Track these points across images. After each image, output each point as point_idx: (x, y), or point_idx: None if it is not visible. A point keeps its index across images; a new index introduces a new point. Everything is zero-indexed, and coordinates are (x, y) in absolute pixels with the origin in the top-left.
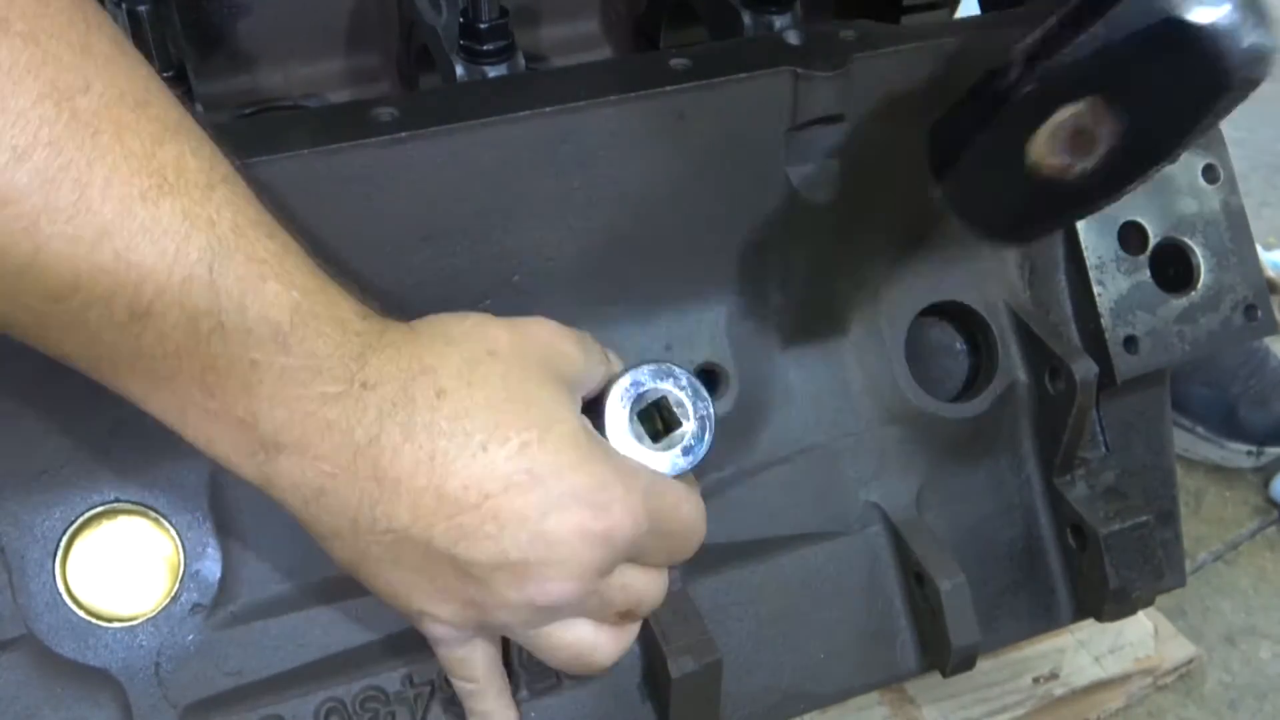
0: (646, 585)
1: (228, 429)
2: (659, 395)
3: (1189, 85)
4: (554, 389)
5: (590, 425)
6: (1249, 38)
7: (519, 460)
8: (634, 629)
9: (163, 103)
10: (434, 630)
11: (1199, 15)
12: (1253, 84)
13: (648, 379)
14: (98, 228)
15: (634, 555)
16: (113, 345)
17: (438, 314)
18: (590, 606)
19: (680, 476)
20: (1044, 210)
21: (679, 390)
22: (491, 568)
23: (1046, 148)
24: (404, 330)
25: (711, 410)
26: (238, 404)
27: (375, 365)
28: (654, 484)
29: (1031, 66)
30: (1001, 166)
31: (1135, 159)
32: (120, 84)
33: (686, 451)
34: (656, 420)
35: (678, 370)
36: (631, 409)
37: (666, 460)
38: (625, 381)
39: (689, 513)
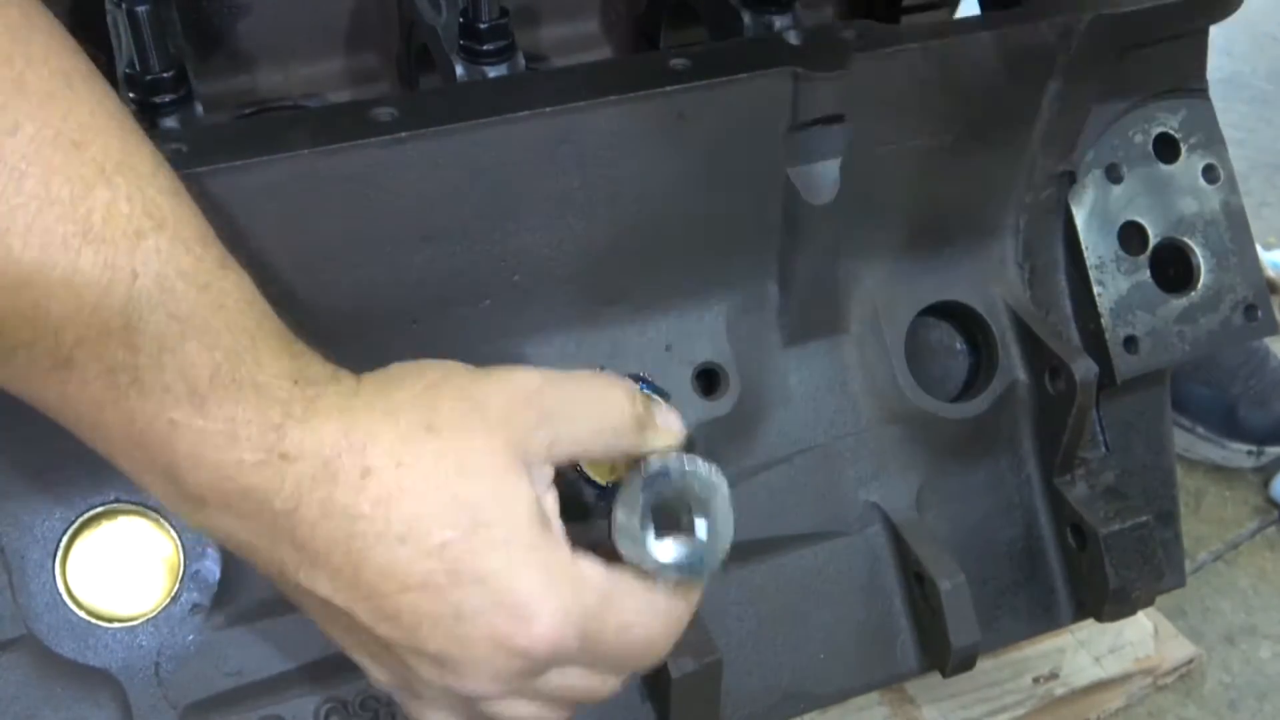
0: (591, 686)
1: (156, 479)
2: (683, 496)
3: None
4: (496, 474)
5: (544, 509)
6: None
7: (438, 559)
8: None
9: (104, 140)
10: (382, 688)
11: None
12: None
13: (678, 477)
14: (17, 276)
15: (571, 664)
16: (43, 391)
17: (400, 364)
18: (524, 697)
19: (667, 583)
20: None
21: (707, 502)
22: (410, 652)
23: None
24: (342, 396)
25: (732, 531)
26: (160, 458)
27: (296, 437)
28: (600, 602)
29: None
30: None
31: None
32: (56, 124)
33: (688, 564)
34: (675, 516)
35: (717, 479)
36: (642, 498)
37: (666, 557)
38: (650, 469)
39: (643, 631)
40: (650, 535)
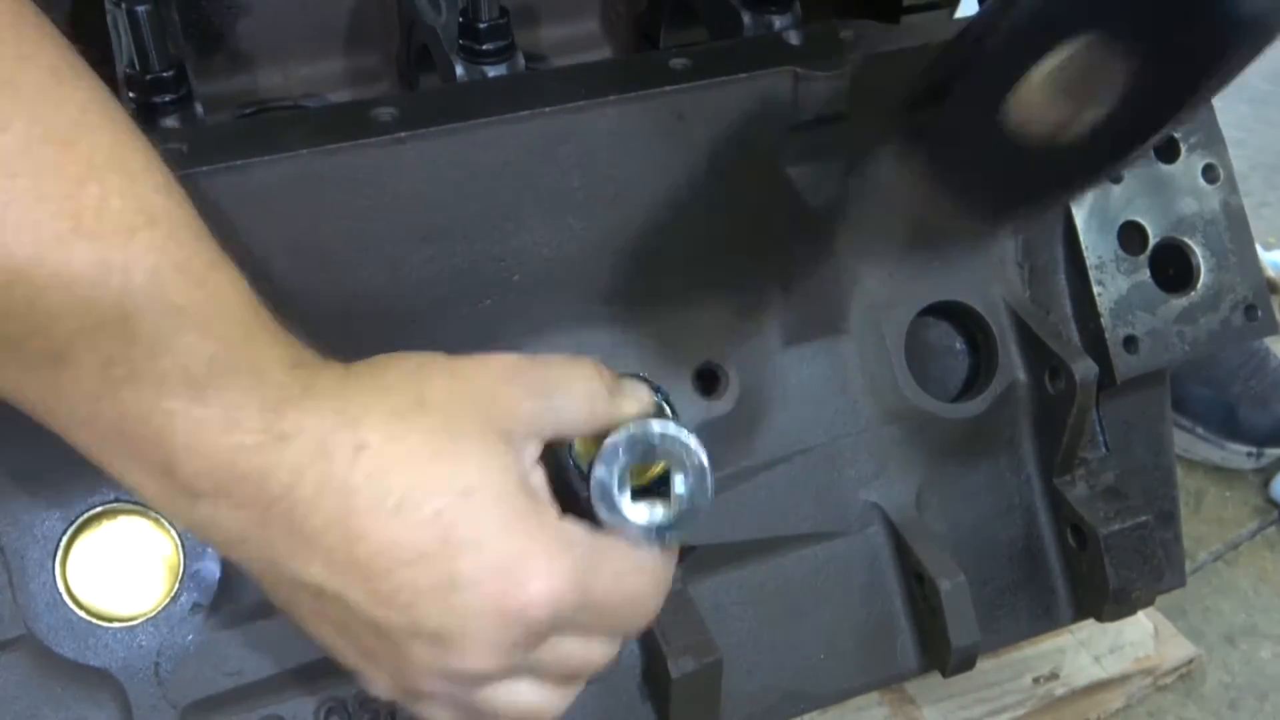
0: (588, 655)
1: (148, 474)
2: (658, 457)
3: (1197, 22)
4: (484, 447)
5: (531, 483)
6: None
7: (433, 527)
8: (581, 683)
9: (94, 137)
10: (378, 693)
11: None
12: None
13: (654, 439)
14: (10, 271)
15: (568, 627)
16: (33, 386)
17: (386, 354)
18: (522, 673)
19: (651, 545)
20: (1034, 179)
21: (682, 460)
22: (408, 635)
23: (1038, 98)
24: (335, 378)
25: (710, 491)
26: (154, 450)
27: (293, 417)
28: (591, 554)
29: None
30: (987, 126)
31: (1141, 117)
32: (46, 120)
33: (668, 525)
34: (652, 478)
35: (688, 439)
36: (617, 465)
37: (643, 518)
38: (626, 433)
39: (633, 586)
40: (627, 498)
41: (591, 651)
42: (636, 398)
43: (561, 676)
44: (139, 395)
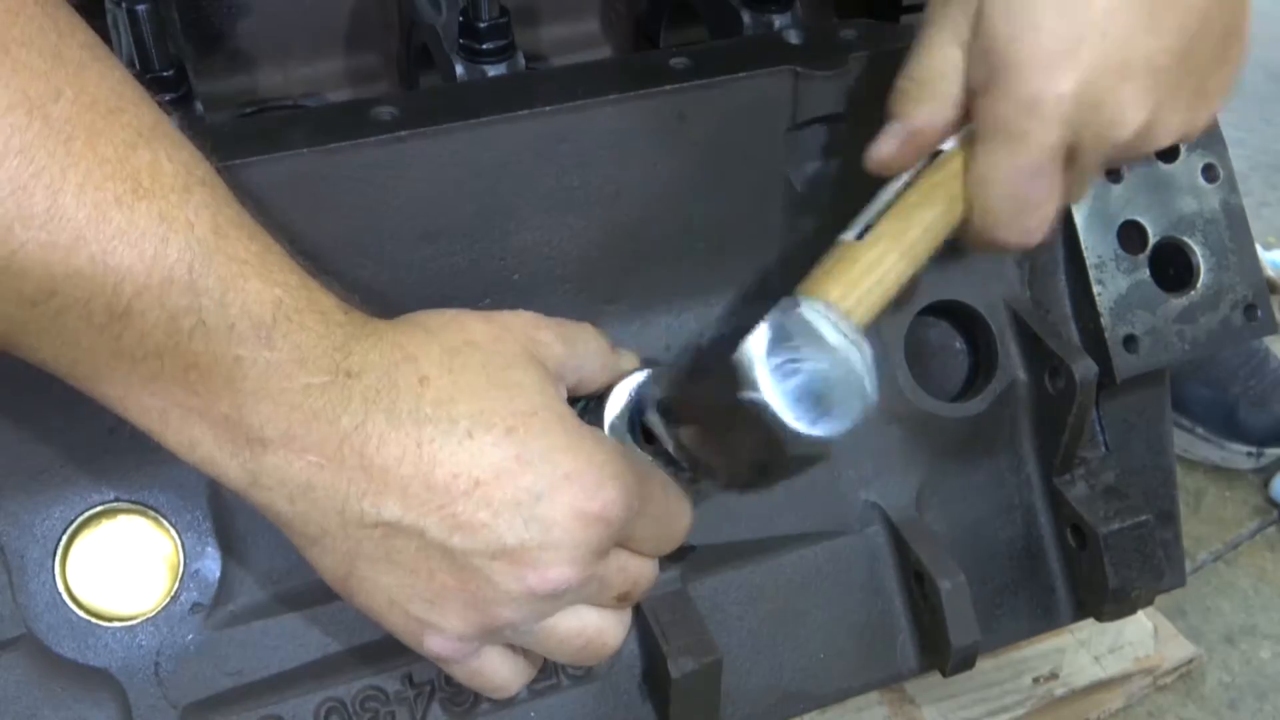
0: (640, 568)
1: (211, 428)
2: (653, 405)
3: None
4: (536, 375)
5: (574, 412)
6: (798, 425)
7: (506, 446)
8: (629, 612)
9: (137, 108)
10: (439, 647)
11: (760, 397)
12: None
13: (649, 386)
14: (73, 233)
15: (626, 539)
16: (91, 348)
17: (415, 311)
18: (590, 592)
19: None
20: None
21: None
22: (489, 557)
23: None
24: (385, 322)
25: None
26: (221, 400)
27: (359, 354)
28: (640, 467)
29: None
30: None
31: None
32: (92, 90)
33: (672, 463)
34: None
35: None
36: (627, 411)
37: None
38: (627, 384)
39: (675, 500)
40: (638, 440)
41: (643, 566)
42: (630, 356)
43: (617, 597)
44: (208, 345)
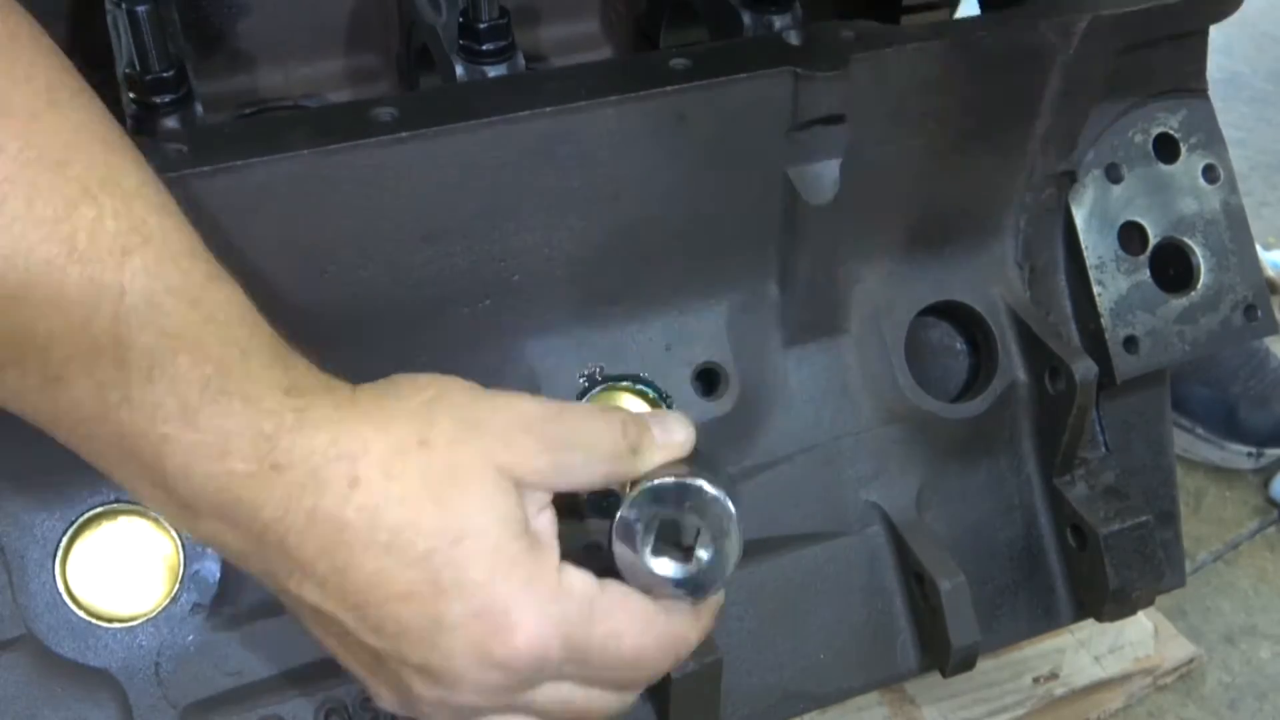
0: (590, 701)
1: (150, 491)
2: (684, 511)
3: None
4: (485, 492)
5: (534, 528)
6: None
7: (422, 568)
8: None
9: (87, 160)
10: (379, 703)
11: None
12: None
13: (678, 497)
14: (4, 296)
15: (562, 677)
16: (34, 406)
17: (399, 376)
18: (518, 713)
19: (667, 599)
20: None
21: (710, 518)
22: (398, 663)
23: None
24: (334, 406)
25: (735, 555)
26: (151, 470)
27: (286, 446)
28: (585, 612)
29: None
30: None
31: None
32: (39, 143)
33: (687, 582)
34: (677, 533)
35: (723, 501)
36: (646, 516)
37: (665, 572)
38: (654, 486)
39: (631, 646)
40: (648, 551)
41: (594, 699)
42: (666, 447)
43: (562, 716)
44: (135, 419)
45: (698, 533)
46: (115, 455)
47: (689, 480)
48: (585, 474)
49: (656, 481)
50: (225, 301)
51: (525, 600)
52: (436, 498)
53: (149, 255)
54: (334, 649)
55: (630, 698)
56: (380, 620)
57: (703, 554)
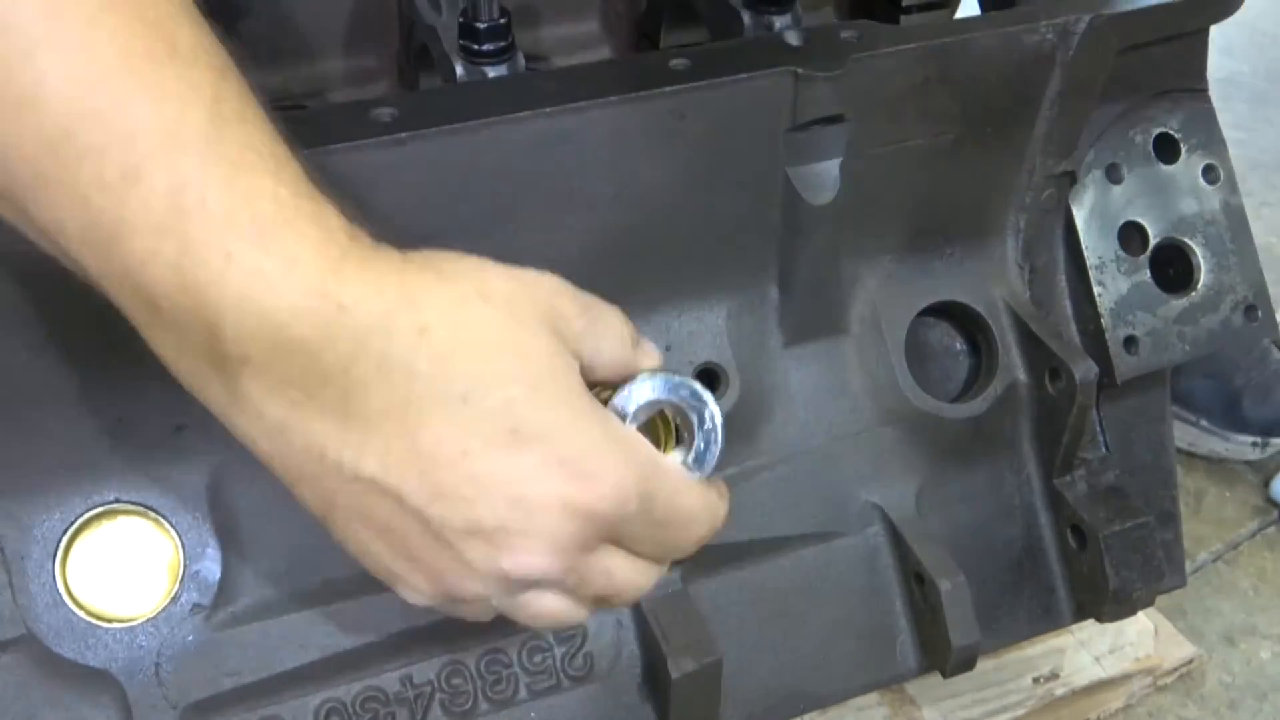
0: (630, 576)
1: (196, 334)
2: (668, 407)
3: None
4: (549, 344)
5: (586, 389)
6: None
7: (503, 417)
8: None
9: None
10: (411, 599)
11: None
12: None
13: (660, 390)
14: (100, 70)
15: (621, 539)
16: (99, 210)
17: (434, 250)
18: (566, 585)
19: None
20: None
21: (690, 406)
22: (464, 533)
23: None
24: (394, 256)
25: (720, 427)
26: (206, 307)
27: (355, 284)
28: (656, 464)
29: None
30: None
31: None
32: None
33: (695, 461)
34: (660, 429)
35: (692, 385)
36: (637, 413)
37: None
38: (638, 386)
39: (690, 505)
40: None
41: (634, 575)
42: (651, 355)
43: (594, 598)
44: (205, 231)
45: (685, 420)
46: (171, 281)
47: (671, 376)
48: (607, 348)
49: (649, 378)
50: (294, 152)
51: (606, 447)
52: (505, 347)
53: (240, 84)
54: (366, 541)
55: (661, 572)
56: (452, 483)
57: (698, 441)
